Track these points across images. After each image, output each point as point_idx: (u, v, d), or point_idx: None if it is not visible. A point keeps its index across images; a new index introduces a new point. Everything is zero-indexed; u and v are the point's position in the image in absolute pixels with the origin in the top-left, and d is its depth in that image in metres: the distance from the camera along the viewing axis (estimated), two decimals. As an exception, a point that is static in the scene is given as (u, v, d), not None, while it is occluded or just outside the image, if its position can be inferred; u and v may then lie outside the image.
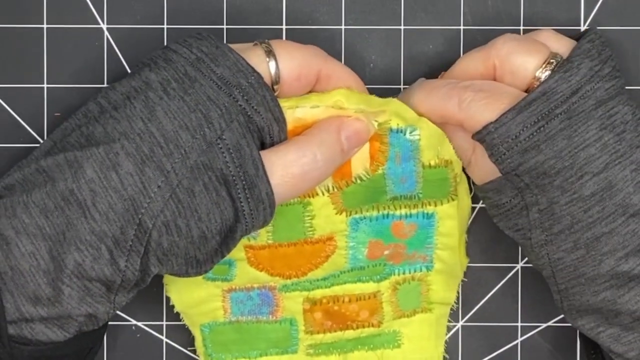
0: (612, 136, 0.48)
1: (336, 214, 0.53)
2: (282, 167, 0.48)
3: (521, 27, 0.56)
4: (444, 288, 0.56)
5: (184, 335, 0.57)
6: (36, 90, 0.56)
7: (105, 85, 0.56)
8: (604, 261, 0.48)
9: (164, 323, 0.57)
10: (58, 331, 0.46)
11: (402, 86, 0.56)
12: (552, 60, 0.49)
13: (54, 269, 0.45)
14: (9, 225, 0.45)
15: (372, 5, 0.56)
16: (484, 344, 0.58)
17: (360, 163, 0.52)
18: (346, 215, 0.53)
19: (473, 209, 0.57)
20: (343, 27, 0.56)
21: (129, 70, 0.56)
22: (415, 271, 0.55)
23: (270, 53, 0.49)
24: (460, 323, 0.57)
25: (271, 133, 0.48)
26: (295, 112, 0.50)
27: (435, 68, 0.56)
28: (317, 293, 0.55)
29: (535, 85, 0.49)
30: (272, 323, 0.56)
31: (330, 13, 0.56)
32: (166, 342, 0.57)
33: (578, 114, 0.47)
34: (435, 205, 0.54)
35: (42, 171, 0.46)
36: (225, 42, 0.56)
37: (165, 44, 0.55)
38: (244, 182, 0.47)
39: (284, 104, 0.49)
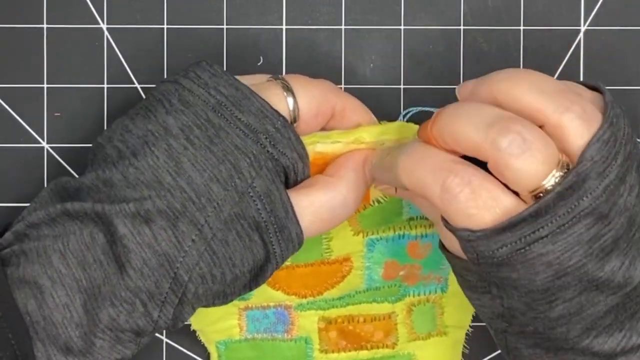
0: (596, 262, 0.42)
1: (353, 235, 0.53)
2: (312, 211, 0.48)
3: (521, 27, 0.56)
4: (458, 311, 0.56)
5: (184, 336, 0.57)
6: (36, 90, 0.56)
7: (104, 85, 0.56)
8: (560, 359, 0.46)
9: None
10: None
11: (402, 86, 0.56)
12: (557, 173, 0.41)
13: (87, 323, 0.45)
14: (44, 274, 0.45)
15: (372, 5, 0.56)
16: (484, 344, 0.58)
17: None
18: (363, 237, 0.53)
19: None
20: (343, 27, 0.56)
21: (128, 71, 0.56)
22: (430, 293, 0.55)
23: (287, 90, 0.48)
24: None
25: (296, 170, 0.48)
26: (315, 147, 0.50)
27: (435, 68, 0.56)
28: (333, 312, 0.55)
29: (537, 193, 0.42)
30: (287, 341, 0.56)
31: (330, 13, 0.56)
32: (166, 342, 0.57)
33: (566, 237, 0.42)
34: None
35: (70, 215, 0.46)
36: (225, 42, 0.56)
37: (165, 44, 0.55)
38: (275, 226, 0.47)
39: (305, 140, 0.49)
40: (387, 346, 0.56)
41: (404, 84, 0.56)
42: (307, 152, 0.49)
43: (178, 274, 0.45)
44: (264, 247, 0.47)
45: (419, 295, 0.55)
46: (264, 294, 0.54)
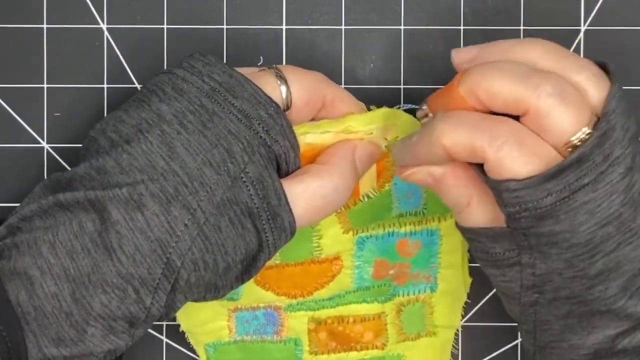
0: (631, 212, 0.44)
1: (343, 233, 0.53)
2: (305, 200, 0.48)
3: (521, 27, 0.56)
4: (447, 311, 0.56)
5: (184, 336, 0.57)
6: (36, 90, 0.56)
7: (104, 85, 0.56)
8: (592, 334, 0.46)
9: (164, 323, 0.57)
10: None
11: (402, 86, 0.56)
12: (588, 125, 0.43)
13: (77, 312, 0.45)
14: (34, 264, 0.45)
15: (372, 5, 0.56)
16: (484, 344, 0.58)
17: (367, 181, 0.53)
18: (353, 234, 0.53)
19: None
20: (343, 27, 0.56)
21: (128, 71, 0.56)
22: (419, 292, 0.55)
23: (281, 78, 0.49)
24: (461, 323, 0.57)
25: (287, 160, 0.48)
26: (305, 137, 0.50)
27: (436, 68, 0.56)
28: (322, 313, 0.55)
29: (567, 147, 0.43)
30: (276, 343, 0.56)
31: (330, 13, 0.56)
32: (166, 342, 0.57)
33: (604, 185, 0.43)
34: (439, 221, 0.54)
35: (61, 206, 0.46)
36: (225, 42, 0.56)
37: (165, 44, 0.55)
38: (267, 213, 0.47)
39: (295, 130, 0.49)
40: (376, 347, 0.56)
41: (404, 84, 0.56)
42: (298, 142, 0.49)
43: (171, 259, 0.45)
44: (256, 234, 0.47)
45: (408, 295, 0.55)
46: (254, 294, 0.54)
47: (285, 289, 0.54)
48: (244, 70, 0.49)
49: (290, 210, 0.47)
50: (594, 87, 0.44)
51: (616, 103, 0.44)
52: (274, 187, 0.47)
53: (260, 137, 0.47)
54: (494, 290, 0.57)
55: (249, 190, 0.46)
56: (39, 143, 0.56)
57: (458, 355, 0.58)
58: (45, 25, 0.56)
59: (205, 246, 0.46)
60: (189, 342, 0.57)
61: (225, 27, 0.56)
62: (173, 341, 0.57)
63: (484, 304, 0.57)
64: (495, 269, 0.47)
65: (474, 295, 0.57)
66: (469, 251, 0.56)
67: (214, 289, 0.48)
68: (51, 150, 0.56)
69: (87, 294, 0.45)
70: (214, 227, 0.46)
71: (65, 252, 0.45)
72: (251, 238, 0.47)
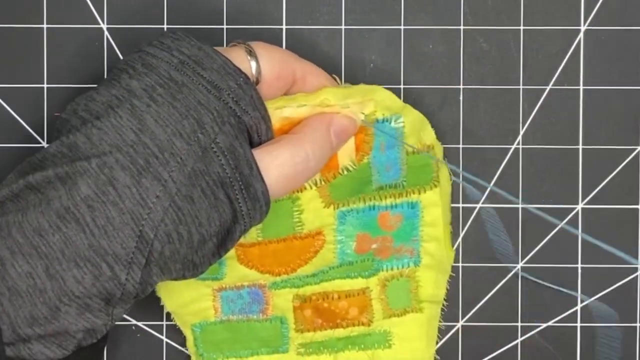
0: None
1: (324, 207, 0.53)
2: (276, 167, 0.48)
3: (521, 27, 0.56)
4: (432, 285, 0.56)
5: (184, 336, 0.57)
6: (36, 90, 0.56)
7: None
8: None
9: (164, 323, 0.57)
10: (57, 349, 0.46)
11: (402, 86, 0.56)
12: None
13: (51, 287, 0.45)
14: (4, 245, 0.45)
15: (372, 5, 0.56)
16: (484, 344, 0.58)
17: (346, 154, 0.53)
18: (334, 208, 0.54)
19: (472, 209, 0.57)
20: (343, 27, 0.56)
21: (129, 70, 0.56)
22: (403, 267, 0.56)
23: (251, 53, 0.49)
24: (460, 323, 0.57)
25: (259, 131, 0.48)
26: (282, 111, 0.50)
27: (435, 68, 0.56)
28: (307, 290, 0.55)
29: None
30: (262, 322, 0.56)
31: (330, 13, 0.56)
32: (166, 342, 0.57)
33: None
34: (419, 193, 0.54)
35: (32, 187, 0.46)
36: (225, 42, 0.56)
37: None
38: (240, 183, 0.47)
39: (271, 105, 0.49)
40: (362, 324, 0.56)
41: (404, 84, 0.56)
42: (272, 116, 0.49)
43: (144, 232, 0.45)
44: (230, 205, 0.47)
45: (392, 269, 0.56)
46: (238, 273, 0.55)
47: (268, 266, 0.55)
48: (217, 48, 0.49)
49: (262, 179, 0.47)
50: None
51: None
52: (245, 157, 0.47)
53: (230, 107, 0.47)
54: (494, 290, 0.57)
55: (220, 160, 0.46)
56: (39, 143, 0.56)
57: (458, 355, 0.58)
58: (45, 25, 0.56)
59: (178, 217, 0.46)
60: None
61: (225, 27, 0.56)
62: (173, 341, 0.57)
63: (484, 303, 0.57)
64: None
65: (474, 295, 0.57)
66: (450, 224, 0.56)
67: (192, 265, 0.48)
68: (51, 150, 0.56)
69: (61, 268, 0.45)
70: (186, 197, 0.46)
71: (33, 230, 0.45)
72: (224, 209, 0.47)
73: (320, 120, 0.51)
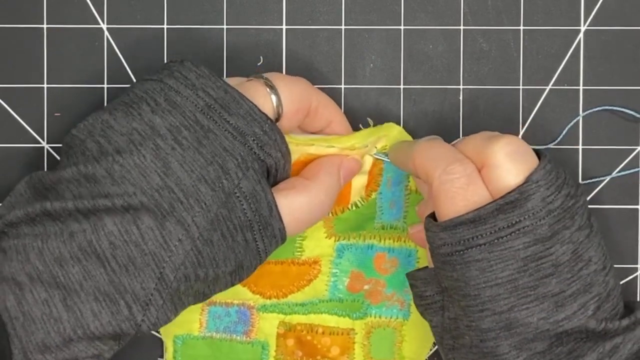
0: (530, 280, 0.45)
1: (326, 237, 0.54)
2: (290, 212, 0.49)
3: (521, 27, 0.56)
4: (417, 344, 0.56)
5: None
6: (36, 90, 0.56)
7: (104, 85, 0.56)
8: None
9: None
10: None
11: (402, 86, 0.56)
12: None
13: (67, 318, 0.45)
14: (23, 271, 0.45)
15: (372, 5, 0.56)
16: None
17: (357, 192, 0.54)
18: (335, 240, 0.54)
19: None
20: (343, 27, 0.56)
21: (128, 71, 0.56)
22: (391, 317, 0.56)
23: (271, 87, 0.49)
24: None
25: (277, 167, 0.49)
26: (310, 148, 0.52)
27: (435, 68, 0.56)
28: (294, 318, 0.56)
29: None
30: (244, 344, 0.56)
31: (330, 13, 0.56)
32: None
33: (502, 250, 0.45)
34: None
35: (50, 215, 0.46)
36: (225, 42, 0.56)
37: (165, 44, 0.55)
38: (259, 225, 0.47)
39: (302, 142, 0.51)
40: None
41: (404, 84, 0.56)
42: (299, 151, 0.50)
43: (164, 274, 0.45)
44: (246, 245, 0.47)
45: (380, 316, 0.56)
46: (231, 289, 0.54)
47: (261, 287, 0.55)
48: (233, 81, 0.49)
49: (281, 219, 0.48)
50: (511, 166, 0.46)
51: (543, 174, 0.45)
52: (267, 199, 0.48)
53: (255, 153, 0.47)
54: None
55: (242, 205, 0.47)
56: (39, 143, 0.56)
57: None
58: (45, 25, 0.56)
59: (197, 260, 0.46)
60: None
61: (225, 27, 0.56)
62: (173, 341, 0.57)
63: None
64: (427, 314, 0.49)
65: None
66: None
67: (203, 296, 0.48)
68: (51, 150, 0.56)
69: (79, 300, 0.45)
70: (207, 241, 0.46)
71: (54, 260, 0.45)
72: (240, 250, 0.47)
73: (332, 164, 0.52)
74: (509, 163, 0.45)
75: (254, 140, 0.47)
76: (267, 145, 0.47)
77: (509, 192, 0.45)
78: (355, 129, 0.54)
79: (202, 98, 0.47)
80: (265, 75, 0.50)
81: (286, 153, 0.49)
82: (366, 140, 0.53)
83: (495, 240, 0.45)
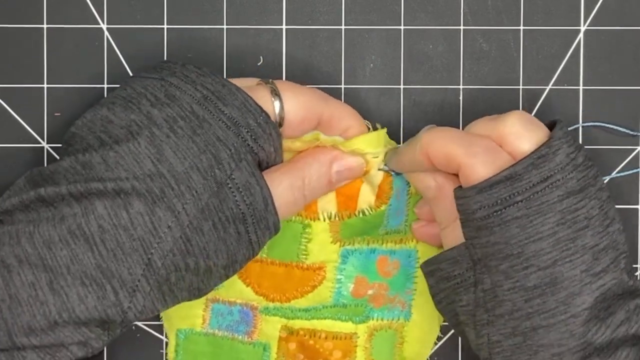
0: (569, 232, 0.46)
1: (331, 242, 0.54)
2: (275, 193, 0.48)
3: (521, 27, 0.56)
4: (418, 344, 0.56)
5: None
6: (36, 90, 0.56)
7: (104, 85, 0.56)
8: (539, 353, 0.47)
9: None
10: None
11: (402, 86, 0.56)
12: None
13: (53, 302, 0.45)
14: (12, 253, 0.45)
15: (372, 5, 0.56)
16: None
17: (365, 199, 0.53)
18: (339, 246, 0.54)
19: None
20: (343, 27, 0.56)
21: (128, 71, 0.56)
22: (393, 318, 0.56)
23: (275, 93, 0.49)
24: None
25: (269, 162, 0.49)
26: (312, 142, 0.51)
27: (435, 68, 0.56)
28: (296, 323, 0.55)
29: None
30: (246, 344, 0.56)
31: (330, 13, 0.56)
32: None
33: (540, 204, 0.46)
34: (417, 242, 0.55)
35: (44, 201, 0.46)
36: (225, 42, 0.56)
37: (165, 44, 0.55)
38: (253, 218, 0.47)
39: (305, 138, 0.50)
40: None
41: (404, 84, 0.56)
42: (302, 143, 0.51)
43: (152, 260, 0.45)
44: (238, 238, 0.47)
45: (382, 319, 0.55)
46: (234, 287, 0.55)
47: (265, 289, 0.55)
48: (240, 82, 0.49)
49: (276, 213, 0.48)
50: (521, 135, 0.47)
51: (563, 133, 0.47)
52: (262, 194, 0.48)
53: (248, 144, 0.47)
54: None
55: (235, 196, 0.47)
56: (39, 143, 0.56)
57: (458, 355, 0.58)
58: (45, 25, 0.56)
59: (186, 248, 0.46)
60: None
61: (225, 27, 0.56)
62: (173, 341, 0.57)
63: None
64: (454, 295, 0.49)
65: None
66: None
67: (198, 291, 0.48)
68: (51, 150, 0.56)
69: (65, 284, 0.45)
70: (197, 230, 0.46)
71: (43, 243, 0.45)
72: (232, 242, 0.47)
73: (323, 153, 0.51)
74: (528, 132, 0.47)
75: (247, 131, 0.47)
76: (260, 138, 0.48)
77: (538, 148, 0.46)
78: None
79: (200, 91, 0.48)
80: (275, 81, 0.50)
81: (279, 148, 0.49)
82: (375, 147, 0.52)
83: (532, 196, 0.46)
